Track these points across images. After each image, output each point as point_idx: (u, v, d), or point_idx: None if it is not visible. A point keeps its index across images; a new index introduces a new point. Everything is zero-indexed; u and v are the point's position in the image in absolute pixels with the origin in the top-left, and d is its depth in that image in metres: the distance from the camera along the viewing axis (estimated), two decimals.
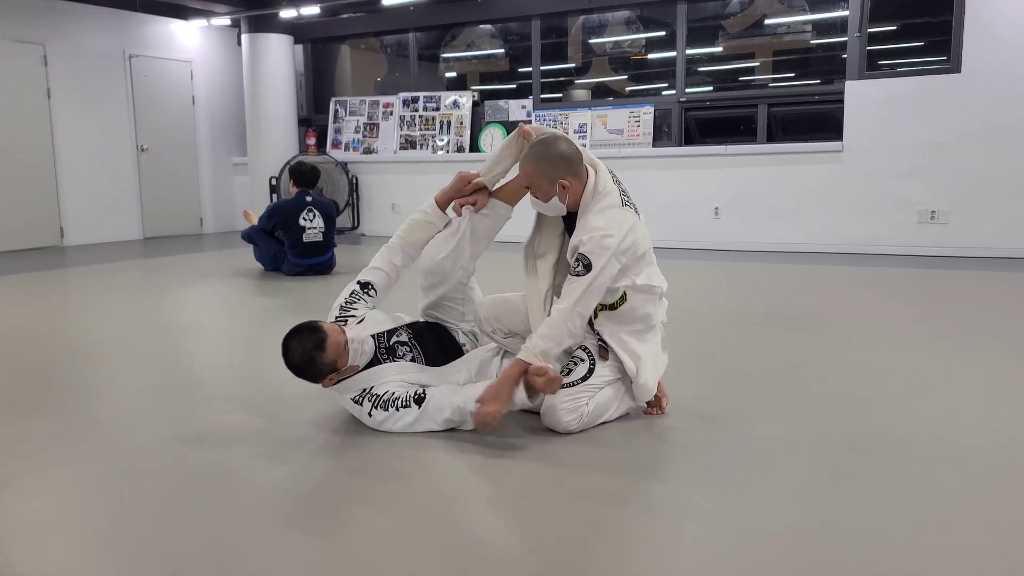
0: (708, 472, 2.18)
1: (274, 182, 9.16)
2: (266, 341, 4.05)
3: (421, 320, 2.79)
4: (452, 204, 2.76)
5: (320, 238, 6.04)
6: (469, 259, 2.72)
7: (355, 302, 2.73)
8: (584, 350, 2.54)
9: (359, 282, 2.76)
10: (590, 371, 2.50)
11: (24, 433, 2.57)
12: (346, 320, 2.66)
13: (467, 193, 2.72)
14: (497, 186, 2.73)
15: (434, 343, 2.68)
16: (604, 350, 2.55)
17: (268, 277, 6.07)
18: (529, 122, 8.34)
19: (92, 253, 7.87)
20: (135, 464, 2.30)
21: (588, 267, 2.36)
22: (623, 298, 2.48)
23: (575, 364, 2.52)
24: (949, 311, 4.48)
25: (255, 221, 6.35)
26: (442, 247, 2.70)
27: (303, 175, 6.18)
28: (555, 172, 2.42)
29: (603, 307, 2.49)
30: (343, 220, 9.22)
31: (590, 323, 2.52)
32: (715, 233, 7.42)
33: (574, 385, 2.47)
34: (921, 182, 6.67)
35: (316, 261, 6.07)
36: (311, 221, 6.01)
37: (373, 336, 2.59)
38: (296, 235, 5.98)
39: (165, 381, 3.25)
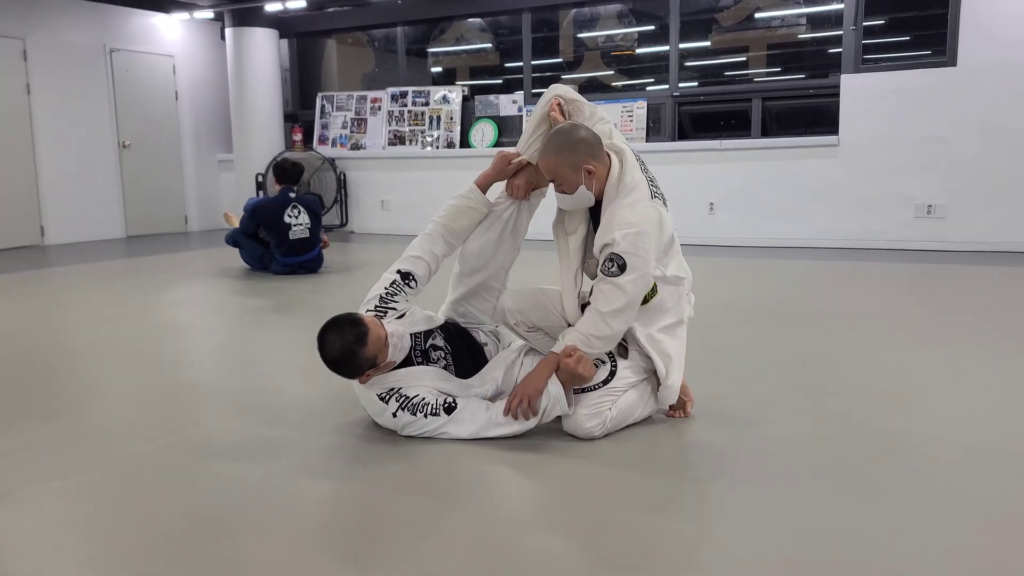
0: (742, 474, 2.09)
1: (260, 179, 9.00)
2: (259, 342, 3.94)
3: (450, 323, 2.67)
4: (505, 187, 2.64)
5: (307, 234, 5.91)
6: (513, 244, 2.63)
7: (396, 294, 2.55)
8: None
9: (399, 271, 2.58)
10: (612, 373, 2.40)
11: (19, 442, 2.45)
12: (385, 312, 2.51)
13: (511, 174, 2.61)
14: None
15: (463, 349, 2.58)
16: (624, 348, 2.44)
17: (255, 276, 5.93)
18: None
19: (74, 252, 7.69)
20: (137, 475, 2.18)
21: (623, 268, 2.27)
22: (654, 290, 2.38)
23: (595, 367, 2.40)
24: (950, 306, 4.42)
25: (236, 223, 6.20)
26: (490, 230, 2.60)
27: (285, 171, 6.03)
28: (578, 158, 2.33)
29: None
30: (331, 218, 9.09)
31: None
32: (710, 229, 7.35)
33: (595, 389, 2.36)
34: (917, 176, 6.62)
35: (304, 258, 5.94)
36: (296, 218, 5.87)
37: (411, 335, 2.47)
38: (282, 233, 5.84)
39: (159, 385, 3.13)
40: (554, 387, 2.33)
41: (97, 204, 8.83)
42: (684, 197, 7.31)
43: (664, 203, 2.38)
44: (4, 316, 4.57)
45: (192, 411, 2.78)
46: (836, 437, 2.38)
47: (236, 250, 6.32)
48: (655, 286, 2.38)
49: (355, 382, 2.43)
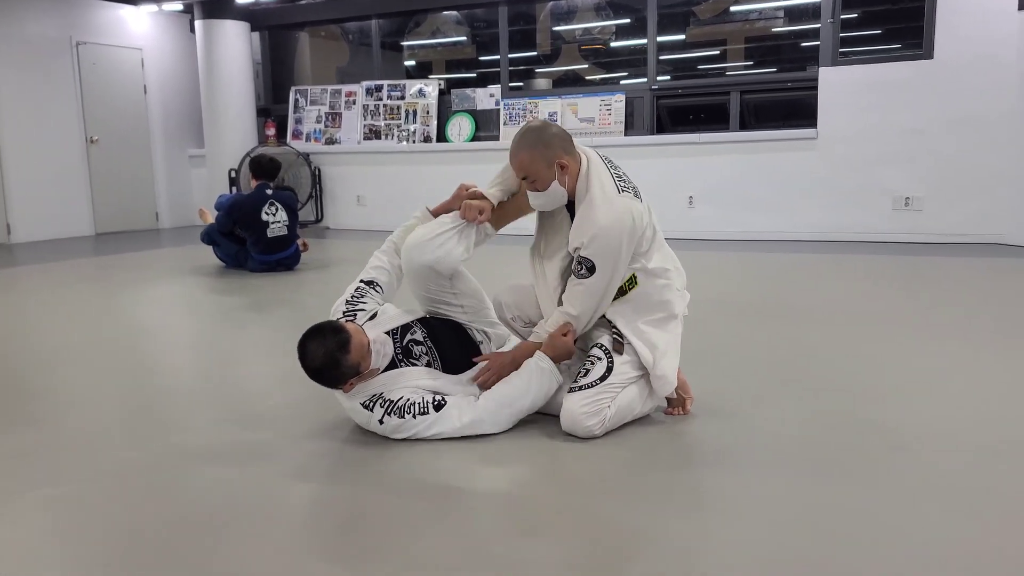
0: (737, 471, 2.05)
1: (233, 174, 8.84)
2: (237, 343, 3.84)
3: (435, 318, 2.56)
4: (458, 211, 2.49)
5: (285, 232, 5.80)
6: (454, 257, 2.43)
7: (363, 296, 2.53)
8: (600, 347, 2.39)
9: (362, 280, 2.57)
10: (608, 370, 2.35)
11: None
12: (355, 315, 2.46)
13: (466, 199, 2.48)
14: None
15: (450, 342, 2.49)
16: (619, 343, 2.39)
17: (230, 274, 5.81)
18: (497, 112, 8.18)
19: (42, 250, 7.50)
20: (119, 484, 2.09)
21: (592, 269, 2.27)
22: (632, 281, 2.35)
23: (592, 364, 2.36)
24: (930, 299, 4.43)
25: (211, 219, 6.08)
26: (432, 230, 2.45)
27: (262, 167, 5.91)
28: (551, 153, 2.31)
29: (623, 286, 2.36)
30: (306, 213, 8.95)
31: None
32: (689, 223, 7.33)
33: (593, 387, 2.31)
34: (895, 169, 6.65)
35: (282, 256, 5.83)
36: (274, 215, 5.75)
37: (388, 333, 2.40)
38: (259, 231, 5.73)
39: (138, 390, 3.02)
40: (544, 362, 2.34)
41: (65, 201, 8.62)
42: (663, 191, 7.29)
43: (636, 195, 2.33)
44: None
45: (172, 416, 2.69)
46: (829, 433, 2.36)
47: (210, 247, 6.19)
48: (633, 277, 2.36)
49: (338, 393, 2.34)
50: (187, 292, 5.23)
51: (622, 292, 2.37)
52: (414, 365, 2.39)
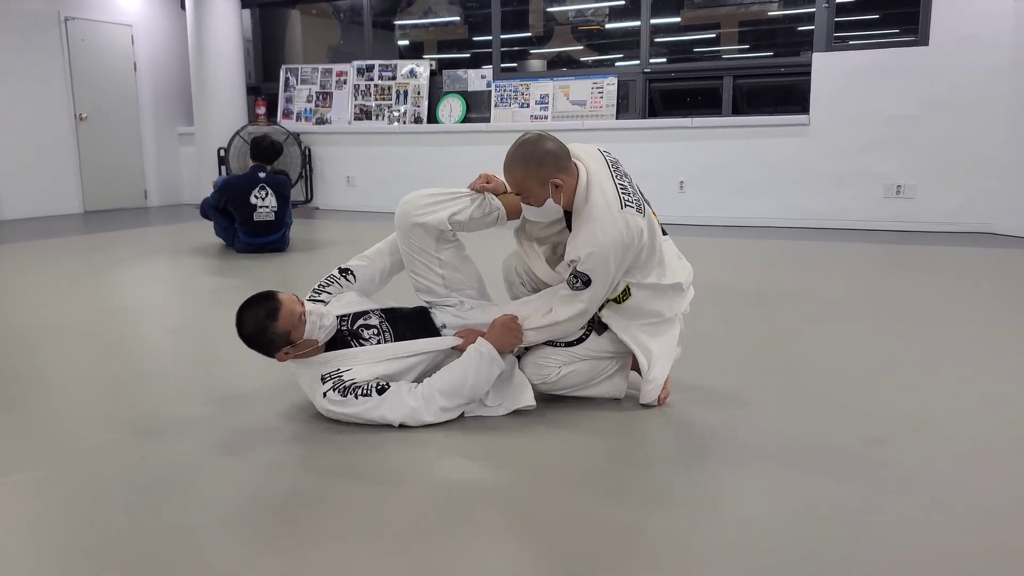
0: (724, 463, 2.04)
1: (222, 153, 8.78)
2: (222, 324, 3.81)
3: (407, 308, 2.58)
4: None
5: (272, 217, 5.73)
6: (437, 216, 2.43)
7: (328, 285, 2.58)
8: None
9: (339, 268, 2.62)
10: (579, 340, 2.40)
11: None
12: (315, 303, 2.49)
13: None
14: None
15: (410, 329, 2.48)
16: (603, 326, 2.42)
17: (219, 254, 5.77)
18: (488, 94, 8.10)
19: (30, 228, 7.44)
20: (94, 470, 2.07)
21: (587, 283, 2.25)
22: (626, 293, 2.34)
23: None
24: (921, 287, 4.42)
25: None
26: (431, 189, 2.50)
27: (261, 149, 5.81)
28: (545, 171, 2.24)
29: (615, 298, 2.35)
30: (296, 193, 8.89)
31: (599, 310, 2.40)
32: (680, 207, 7.30)
33: (557, 346, 2.39)
34: (887, 156, 6.63)
35: (266, 240, 5.77)
36: (263, 200, 5.69)
37: (337, 317, 2.43)
38: (247, 213, 5.68)
39: (118, 371, 3.01)
40: (485, 347, 2.32)
41: (53, 178, 8.55)
42: (654, 175, 7.26)
43: (640, 210, 2.27)
44: None
45: (150, 400, 2.67)
46: (820, 423, 2.35)
47: (199, 226, 6.14)
48: (627, 289, 2.34)
49: (292, 367, 2.39)
50: (173, 271, 5.20)
51: (616, 301, 2.35)
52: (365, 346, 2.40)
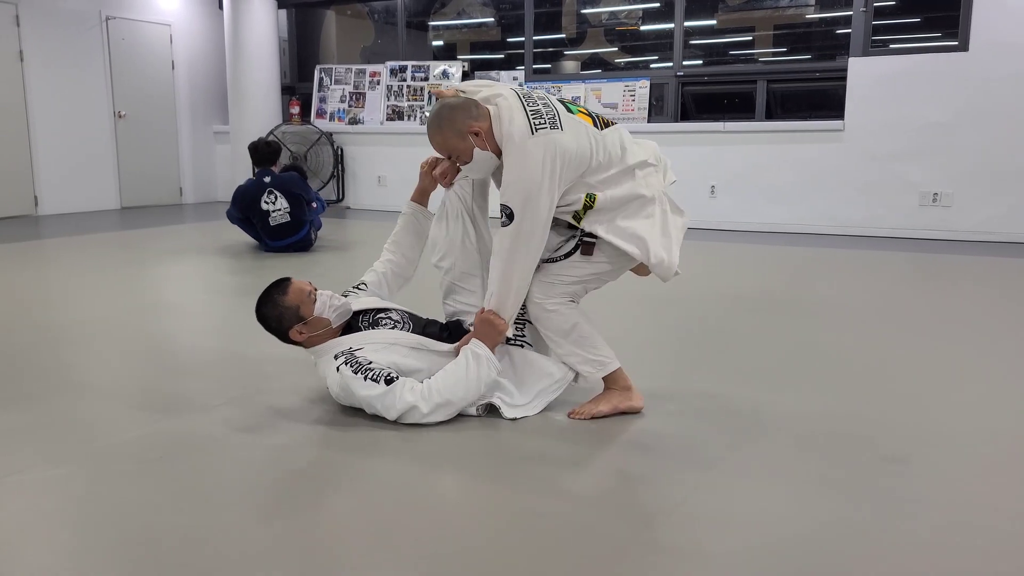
0: (740, 476, 2.01)
1: None
2: (251, 324, 3.84)
3: (420, 316, 2.64)
4: (436, 180, 2.63)
5: (287, 219, 5.69)
6: (471, 230, 2.58)
7: (346, 295, 2.66)
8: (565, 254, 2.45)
9: (354, 285, 2.73)
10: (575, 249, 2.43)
11: None
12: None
13: (429, 174, 2.64)
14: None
15: (434, 332, 2.54)
16: (589, 245, 2.40)
17: (249, 253, 5.81)
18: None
19: (68, 223, 7.59)
20: (111, 468, 2.09)
21: (510, 216, 2.26)
22: (590, 197, 2.32)
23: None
24: (956, 298, 4.33)
25: None
26: (442, 221, 2.61)
27: (258, 152, 5.83)
28: (459, 125, 2.30)
29: (580, 212, 2.34)
30: (328, 193, 8.97)
31: (577, 223, 2.38)
32: (710, 212, 7.23)
33: (556, 261, 2.43)
34: (924, 163, 6.49)
35: (288, 242, 5.77)
36: (273, 203, 5.66)
37: (357, 312, 2.52)
38: (263, 219, 5.68)
39: (145, 369, 3.05)
40: (480, 348, 2.33)
41: (91, 174, 8.72)
42: (685, 179, 7.11)
43: (554, 126, 2.25)
44: None
45: (179, 396, 2.69)
46: (839, 437, 2.30)
47: (230, 224, 6.19)
48: (588, 194, 2.32)
49: (312, 355, 2.47)
50: (205, 270, 5.27)
51: (588, 208, 2.33)
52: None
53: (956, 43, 6.36)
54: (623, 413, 2.45)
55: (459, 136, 2.31)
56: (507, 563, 1.63)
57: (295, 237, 5.79)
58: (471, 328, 2.45)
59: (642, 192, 2.36)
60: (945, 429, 2.38)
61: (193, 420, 2.46)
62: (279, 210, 5.70)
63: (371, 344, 2.39)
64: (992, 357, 3.16)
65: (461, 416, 2.39)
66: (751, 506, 1.88)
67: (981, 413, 2.53)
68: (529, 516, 1.83)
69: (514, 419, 2.38)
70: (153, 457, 2.17)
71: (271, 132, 8.79)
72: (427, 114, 8.44)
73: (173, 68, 9.40)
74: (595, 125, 2.37)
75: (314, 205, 5.90)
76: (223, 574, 1.59)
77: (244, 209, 5.75)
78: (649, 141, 2.50)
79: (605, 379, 2.48)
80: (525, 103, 2.29)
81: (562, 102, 2.39)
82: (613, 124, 2.43)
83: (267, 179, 5.71)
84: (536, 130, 2.23)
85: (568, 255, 2.42)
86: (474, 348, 2.34)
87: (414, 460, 2.14)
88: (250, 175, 6.78)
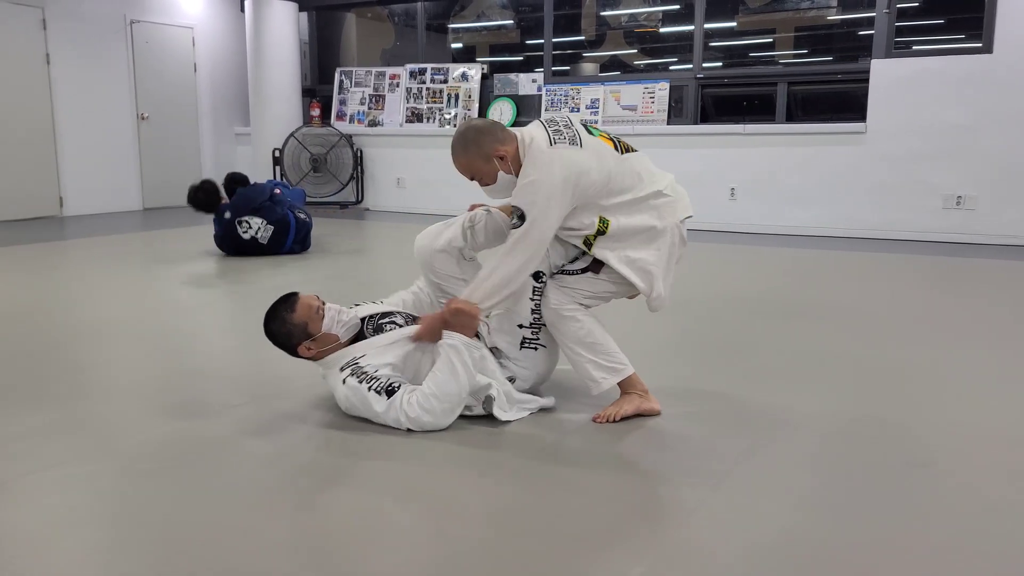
0: (757, 483, 1.99)
1: (277, 154, 8.94)
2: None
3: None
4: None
5: (272, 228, 5.63)
6: (444, 238, 2.58)
7: (358, 306, 2.70)
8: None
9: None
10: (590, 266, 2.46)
11: (19, 429, 2.39)
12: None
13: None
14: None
15: None
16: (598, 263, 2.44)
17: (271, 254, 5.85)
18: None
19: (92, 224, 7.69)
20: (134, 467, 2.12)
21: (522, 218, 2.29)
22: (603, 221, 2.36)
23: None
24: (980, 302, 4.27)
25: None
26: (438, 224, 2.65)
27: (198, 203, 5.66)
28: (484, 148, 2.35)
29: (591, 238, 2.38)
30: (347, 194, 9.02)
31: (588, 250, 2.42)
32: (730, 215, 7.20)
33: (573, 275, 2.47)
34: (947, 166, 6.43)
35: (291, 242, 5.75)
36: (250, 227, 5.61)
37: (363, 319, 2.52)
38: (255, 244, 5.65)
39: (167, 369, 3.07)
40: (453, 339, 2.32)
41: (115, 176, 8.82)
42: (705, 182, 7.17)
43: (573, 143, 2.30)
44: (16, 292, 4.55)
45: (199, 397, 2.72)
46: (861, 443, 2.28)
47: None
48: (602, 218, 2.35)
49: (319, 368, 2.49)
50: (226, 270, 5.30)
51: (600, 233, 2.37)
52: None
53: (980, 44, 6.29)
54: (642, 415, 2.46)
55: (484, 159, 2.35)
56: (518, 563, 1.63)
57: (291, 236, 5.74)
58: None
59: (654, 224, 2.39)
60: (967, 433, 2.36)
61: (211, 421, 2.49)
62: (258, 228, 5.64)
63: (374, 348, 2.40)
64: (1015, 361, 3.12)
65: (469, 417, 2.41)
66: (769, 510, 1.87)
67: (1004, 418, 2.50)
68: (542, 515, 1.83)
69: (507, 421, 2.41)
70: (173, 456, 2.19)
71: (292, 134, 8.85)
72: (445, 117, 8.50)
73: (195, 71, 9.49)
74: (616, 149, 2.41)
75: (278, 192, 5.82)
76: (239, 570, 1.60)
77: (235, 250, 5.69)
78: (667, 173, 2.52)
79: (621, 384, 2.49)
80: (547, 126, 2.37)
81: (584, 126, 2.43)
82: (634, 151, 2.46)
83: (227, 215, 5.63)
84: (555, 143, 2.29)
85: (584, 271, 2.46)
86: (447, 340, 2.32)
87: (426, 461, 2.15)
88: (267, 179, 6.80)
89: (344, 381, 2.35)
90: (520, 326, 2.51)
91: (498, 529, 1.79)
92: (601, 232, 2.36)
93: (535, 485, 2.02)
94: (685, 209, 2.47)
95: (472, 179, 2.43)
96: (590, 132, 2.41)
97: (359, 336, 2.49)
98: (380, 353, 2.39)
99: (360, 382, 2.32)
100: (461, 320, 2.35)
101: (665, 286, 2.43)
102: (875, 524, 1.80)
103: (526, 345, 2.52)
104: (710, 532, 1.78)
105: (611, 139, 2.44)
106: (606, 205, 2.34)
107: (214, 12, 9.64)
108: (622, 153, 2.41)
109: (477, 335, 2.43)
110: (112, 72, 8.70)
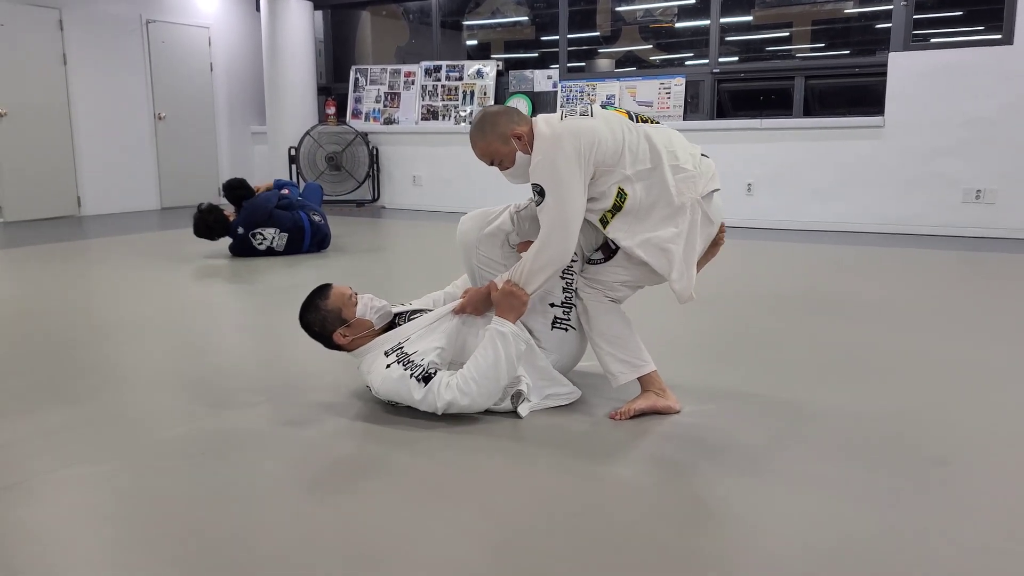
0: (779, 478, 1.99)
1: (293, 152, 8.97)
2: (292, 322, 3.90)
3: None
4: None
5: (286, 236, 5.65)
6: (494, 225, 2.60)
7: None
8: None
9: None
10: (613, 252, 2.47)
11: (39, 427, 2.42)
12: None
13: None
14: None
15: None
16: (614, 249, 2.46)
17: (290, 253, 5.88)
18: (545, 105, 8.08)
19: (110, 223, 7.75)
20: (157, 464, 2.14)
21: (542, 193, 2.31)
22: (621, 195, 2.34)
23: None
24: (1000, 297, 4.23)
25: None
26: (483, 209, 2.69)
27: (208, 229, 5.63)
28: (502, 129, 2.39)
29: (608, 214, 2.37)
30: (363, 192, 9.04)
31: (603, 228, 2.41)
32: (748, 210, 7.16)
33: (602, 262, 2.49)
34: (967, 159, 6.37)
35: (308, 244, 5.76)
36: (265, 238, 5.61)
37: (396, 314, 2.58)
38: (272, 253, 5.67)
39: (189, 366, 3.10)
40: (504, 326, 2.34)
41: (133, 175, 8.88)
42: (722, 177, 7.05)
43: (583, 114, 2.35)
44: (35, 290, 4.59)
45: (217, 395, 2.74)
46: (881, 440, 2.27)
47: None
48: (620, 190, 2.34)
49: (353, 358, 2.52)
50: (244, 269, 5.33)
51: (617, 208, 2.36)
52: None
53: (1000, 36, 6.22)
54: (660, 412, 2.45)
55: (502, 140, 2.38)
56: (543, 558, 1.63)
57: (307, 240, 5.75)
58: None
59: (671, 199, 2.36)
60: (991, 431, 2.34)
61: (235, 416, 2.50)
62: (272, 238, 5.64)
63: (418, 331, 2.44)
64: None
65: (496, 412, 2.42)
66: (791, 510, 1.87)
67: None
68: (567, 513, 1.83)
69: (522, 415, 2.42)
70: (196, 452, 2.21)
71: (307, 132, 8.88)
72: (461, 114, 8.50)
73: (212, 70, 9.54)
74: (631, 119, 2.42)
75: (286, 192, 5.82)
76: (264, 566, 1.61)
77: (251, 253, 5.69)
78: (695, 146, 2.51)
79: (642, 381, 2.49)
80: (564, 107, 2.43)
81: (603, 105, 2.48)
82: (656, 123, 2.47)
83: (240, 231, 5.62)
84: (563, 118, 2.35)
85: (605, 259, 2.48)
86: (498, 327, 2.34)
87: (452, 455, 2.16)
88: (271, 192, 6.80)
89: (388, 366, 2.37)
90: (552, 304, 2.52)
91: (547, 519, 1.80)
92: (617, 207, 2.35)
93: (567, 478, 2.02)
94: (709, 183, 2.42)
95: (491, 164, 2.45)
96: (604, 108, 2.45)
97: (391, 327, 2.52)
98: (425, 335, 2.42)
99: (405, 368, 2.34)
100: (510, 302, 2.36)
101: (687, 267, 2.38)
102: (898, 526, 1.79)
103: (557, 325, 2.53)
104: (732, 533, 1.78)
105: (628, 112, 2.46)
106: (627, 172, 2.33)
107: (230, 11, 9.69)
108: (638, 123, 2.42)
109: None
110: (129, 72, 8.76)
